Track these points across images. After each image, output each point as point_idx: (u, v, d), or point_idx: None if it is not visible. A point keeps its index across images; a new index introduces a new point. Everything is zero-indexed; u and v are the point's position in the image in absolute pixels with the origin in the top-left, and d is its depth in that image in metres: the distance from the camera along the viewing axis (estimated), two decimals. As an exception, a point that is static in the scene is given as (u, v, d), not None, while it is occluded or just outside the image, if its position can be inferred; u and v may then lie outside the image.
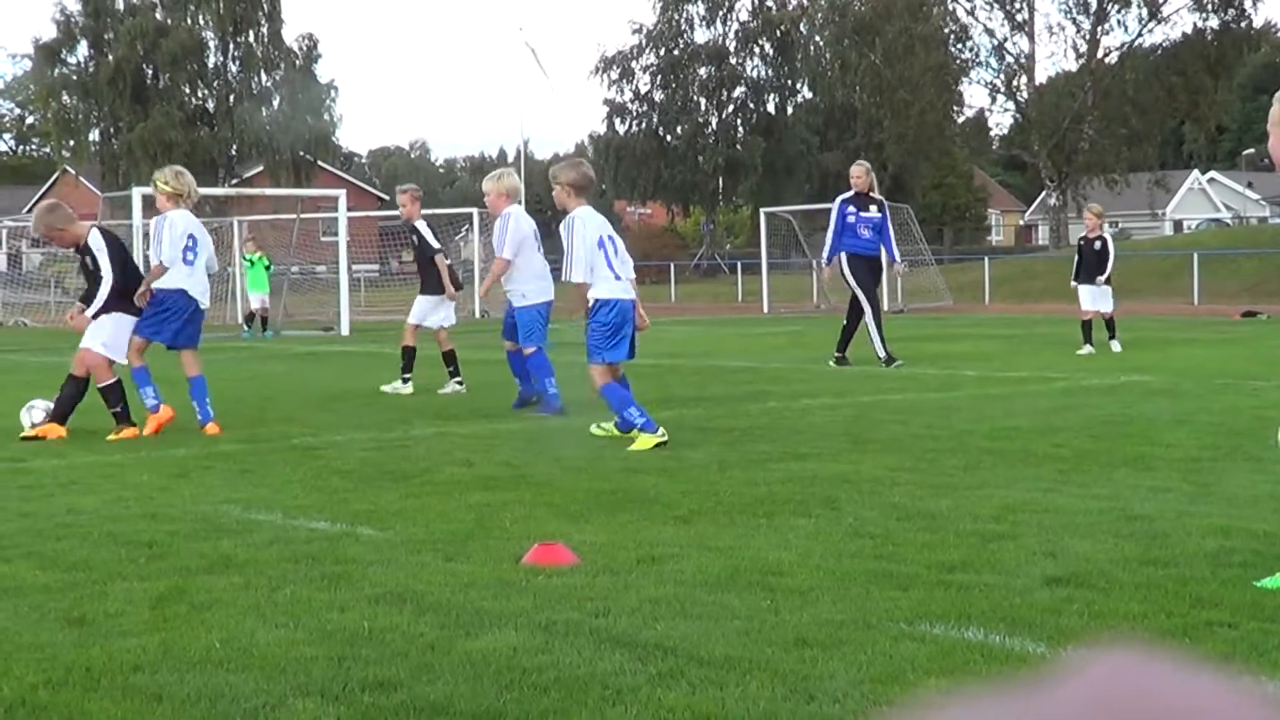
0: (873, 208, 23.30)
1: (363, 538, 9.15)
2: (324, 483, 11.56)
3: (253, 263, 40.45)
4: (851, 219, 23.11)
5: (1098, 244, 25.72)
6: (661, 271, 76.43)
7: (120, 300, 15.35)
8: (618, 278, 14.04)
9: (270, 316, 40.46)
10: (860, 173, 23.50)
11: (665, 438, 13.38)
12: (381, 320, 46.47)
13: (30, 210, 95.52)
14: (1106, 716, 0.80)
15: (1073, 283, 25.92)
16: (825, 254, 23.79)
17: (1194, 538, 8.54)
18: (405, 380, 19.70)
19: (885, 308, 45.19)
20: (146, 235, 41.09)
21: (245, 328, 40.61)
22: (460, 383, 19.75)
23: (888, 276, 22.96)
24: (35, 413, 15.48)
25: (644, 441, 13.30)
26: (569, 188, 14.32)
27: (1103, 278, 25.40)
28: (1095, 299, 25.37)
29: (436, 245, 20.34)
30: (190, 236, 15.62)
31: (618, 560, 8.25)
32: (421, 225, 20.19)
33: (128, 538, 9.26)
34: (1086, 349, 24.93)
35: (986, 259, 63.03)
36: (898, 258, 23.84)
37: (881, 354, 22.60)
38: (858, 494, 10.44)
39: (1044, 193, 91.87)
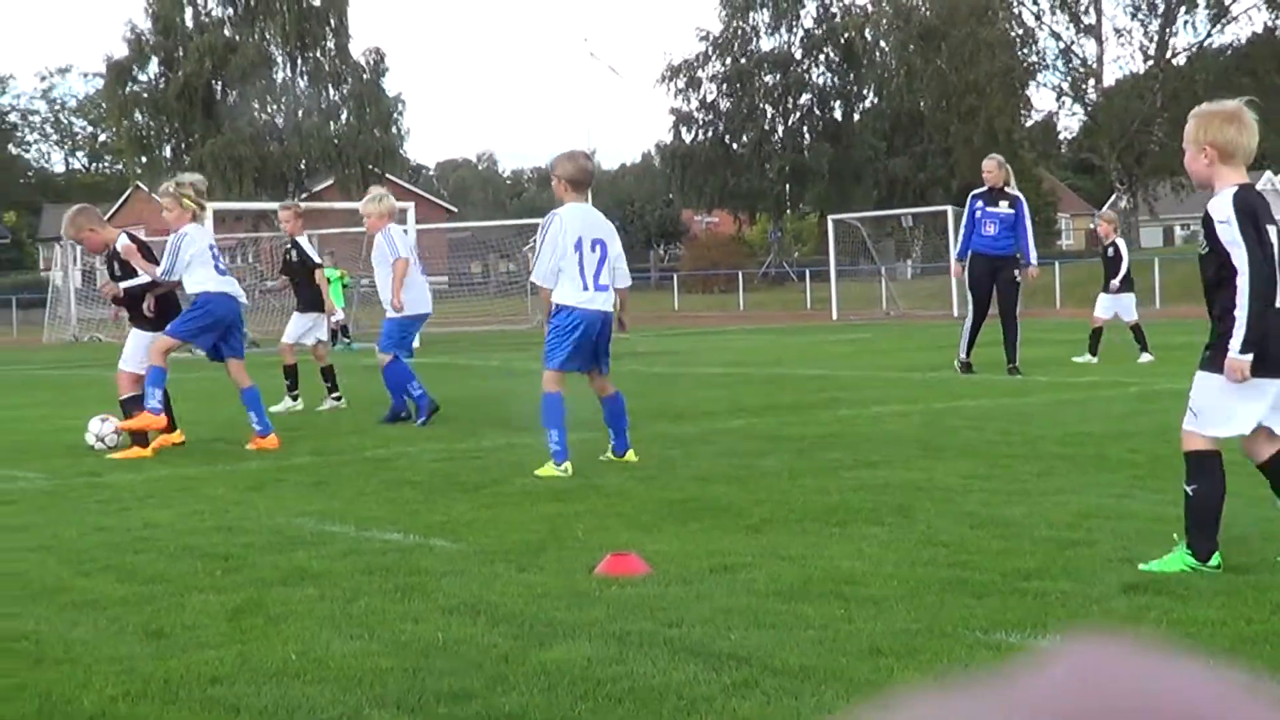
0: (1003, 203, 22.00)
1: (436, 549, 9.17)
2: (396, 494, 11.59)
3: (329, 280, 40.87)
4: (979, 214, 22.02)
5: (1110, 250, 24.91)
6: (729, 280, 76.48)
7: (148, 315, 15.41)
8: (585, 287, 12.94)
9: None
10: (991, 166, 22.32)
11: (567, 473, 12.45)
12: (452, 332, 46.61)
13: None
14: (1079, 706, 0.80)
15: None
16: (955, 251, 23.11)
17: (1273, 543, 8.46)
18: (294, 398, 19.99)
19: (955, 313, 45.06)
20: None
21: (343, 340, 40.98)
22: (338, 399, 19.95)
23: (1023, 277, 21.48)
24: (107, 424, 15.59)
25: (548, 469, 12.57)
26: (565, 181, 13.20)
27: (1115, 283, 24.62)
28: (1107, 307, 24.73)
29: (317, 260, 20.59)
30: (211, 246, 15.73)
31: (690, 570, 8.24)
32: (303, 240, 20.54)
33: (204, 550, 9.31)
34: (1085, 358, 24.26)
35: (1057, 263, 62.73)
36: (1032, 259, 22.09)
37: (962, 357, 22.24)
38: (931, 502, 10.40)
39: (1114, 196, 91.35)
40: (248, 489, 12.13)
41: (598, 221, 13.31)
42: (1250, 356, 7.32)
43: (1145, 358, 23.99)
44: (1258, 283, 7.26)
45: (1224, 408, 7.74)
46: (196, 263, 15.35)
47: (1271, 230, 7.56)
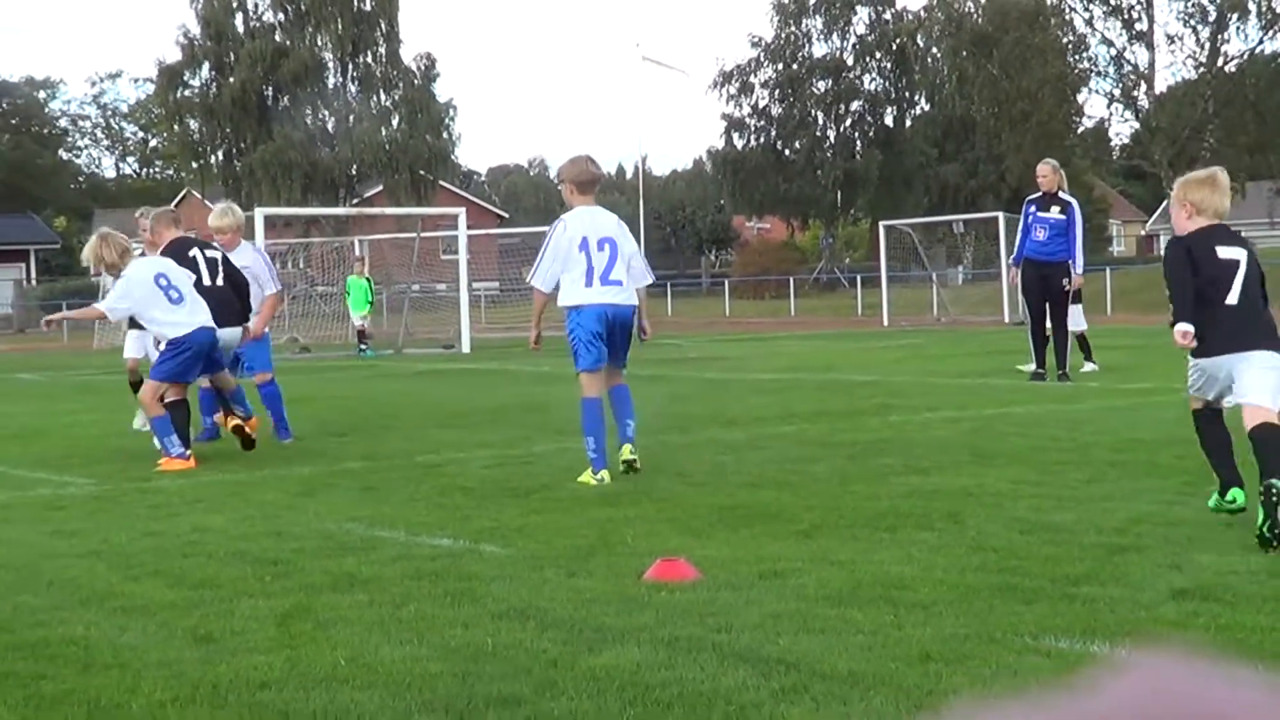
0: (1054, 208, 21.61)
1: (485, 554, 9.19)
2: (446, 500, 11.61)
3: (352, 285, 41.49)
4: (1031, 220, 21.74)
5: None
6: (781, 286, 76.47)
7: None
8: (590, 284, 12.90)
9: (374, 333, 41.16)
10: (1046, 171, 22.01)
11: (604, 482, 12.25)
12: (503, 338, 46.68)
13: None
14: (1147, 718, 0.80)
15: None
16: (1012, 257, 22.81)
17: (1323, 549, 8.43)
18: None
19: (1005, 320, 44.94)
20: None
21: (362, 347, 41.13)
22: None
23: (1067, 283, 21.00)
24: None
25: (585, 476, 12.44)
26: (571, 185, 13.32)
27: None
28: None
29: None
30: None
31: (739, 575, 8.23)
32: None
33: (253, 555, 9.34)
34: (1090, 366, 23.71)
35: (1108, 270, 62.51)
36: (1078, 267, 21.62)
37: (1033, 367, 21.89)
38: (980, 507, 10.37)
39: (1165, 202, 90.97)
40: (298, 494, 12.17)
41: (605, 222, 13.25)
42: (1182, 327, 9.62)
43: (1088, 366, 23.41)
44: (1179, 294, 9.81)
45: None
46: (148, 305, 14.71)
47: (1227, 250, 9.92)
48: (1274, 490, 8.82)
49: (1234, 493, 9.51)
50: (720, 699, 5.96)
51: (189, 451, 14.55)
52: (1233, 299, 9.81)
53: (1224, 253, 9.91)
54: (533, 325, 13.77)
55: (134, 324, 17.29)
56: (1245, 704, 0.81)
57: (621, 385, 13.24)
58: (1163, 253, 10.67)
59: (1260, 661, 6.24)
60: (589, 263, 12.92)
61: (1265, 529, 8.71)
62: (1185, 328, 9.69)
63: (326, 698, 6.16)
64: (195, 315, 14.78)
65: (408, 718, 5.89)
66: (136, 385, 17.17)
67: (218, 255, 15.76)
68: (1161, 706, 0.81)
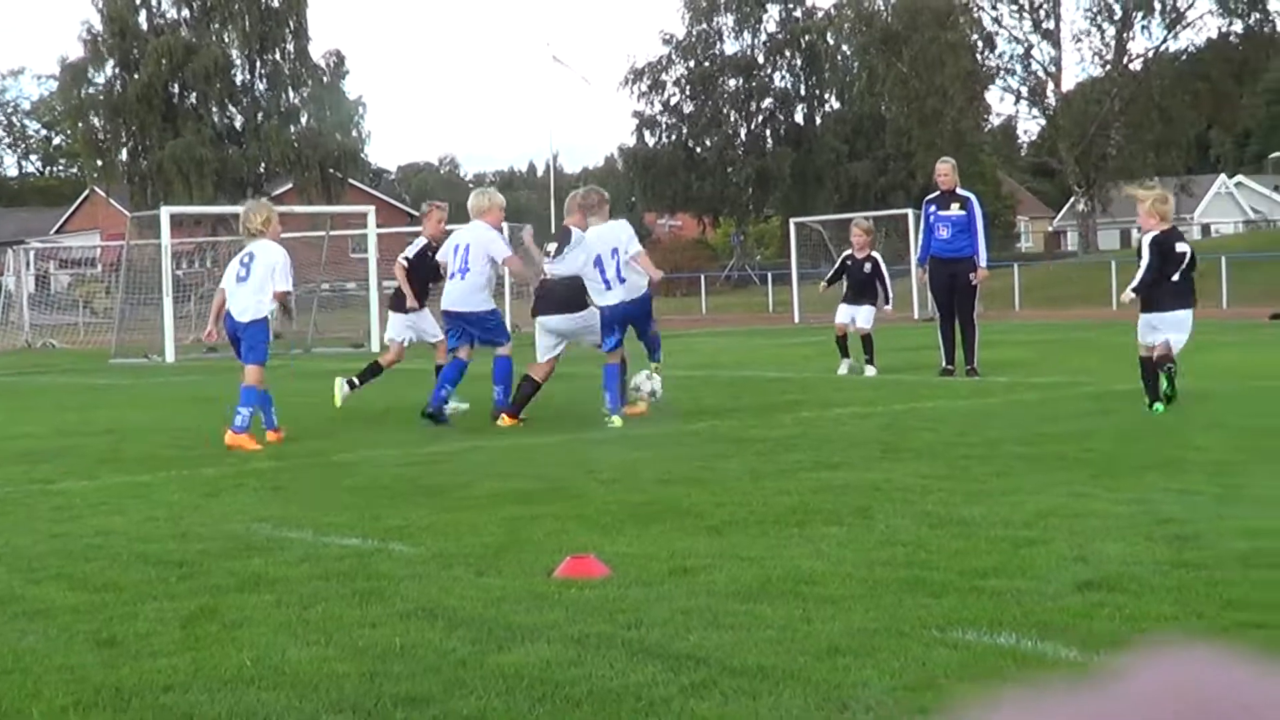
0: (954, 205, 21.94)
1: (394, 553, 9.14)
2: (355, 499, 11.55)
3: None
4: (932, 219, 22.06)
5: (867, 266, 24.22)
6: (692, 283, 76.53)
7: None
8: (609, 287, 17.01)
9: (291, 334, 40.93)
10: (946, 170, 22.33)
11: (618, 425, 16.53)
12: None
13: (59, 231, 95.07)
14: (1174, 711, 0.79)
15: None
16: (916, 257, 23.05)
17: (1225, 540, 8.50)
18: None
19: (915, 315, 45.14)
20: (175, 255, 41.23)
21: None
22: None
23: (975, 278, 21.25)
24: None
25: (629, 409, 17.24)
26: (581, 209, 17.34)
27: (887, 305, 25.09)
28: (852, 315, 24.14)
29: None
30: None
31: (650, 572, 8.22)
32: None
33: (158, 557, 9.25)
34: (845, 365, 23.99)
35: (1016, 265, 62.98)
36: (982, 260, 21.95)
37: (943, 364, 22.18)
38: (890, 502, 10.41)
39: (1072, 199, 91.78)
40: (204, 495, 12.07)
41: (619, 233, 17.25)
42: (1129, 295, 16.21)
43: (870, 370, 23.48)
44: (1150, 273, 15.92)
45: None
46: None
47: (1180, 246, 16.20)
48: (1168, 368, 15.71)
49: (1157, 405, 15.82)
50: (630, 695, 5.95)
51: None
52: (1176, 277, 15.97)
53: (1179, 247, 16.12)
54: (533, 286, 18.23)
55: (398, 306, 19.61)
56: (1269, 695, 0.81)
57: (614, 365, 17.21)
58: (1144, 244, 16.30)
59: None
60: (602, 273, 17.09)
61: (1168, 390, 15.79)
62: (1130, 295, 16.23)
63: (232, 699, 6.11)
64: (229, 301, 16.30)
65: (315, 719, 5.85)
66: (378, 368, 19.72)
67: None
68: (1187, 698, 0.81)
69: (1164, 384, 15.71)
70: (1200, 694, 0.82)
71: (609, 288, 17.02)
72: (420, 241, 19.59)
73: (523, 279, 18.79)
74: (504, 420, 16.88)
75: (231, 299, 16.18)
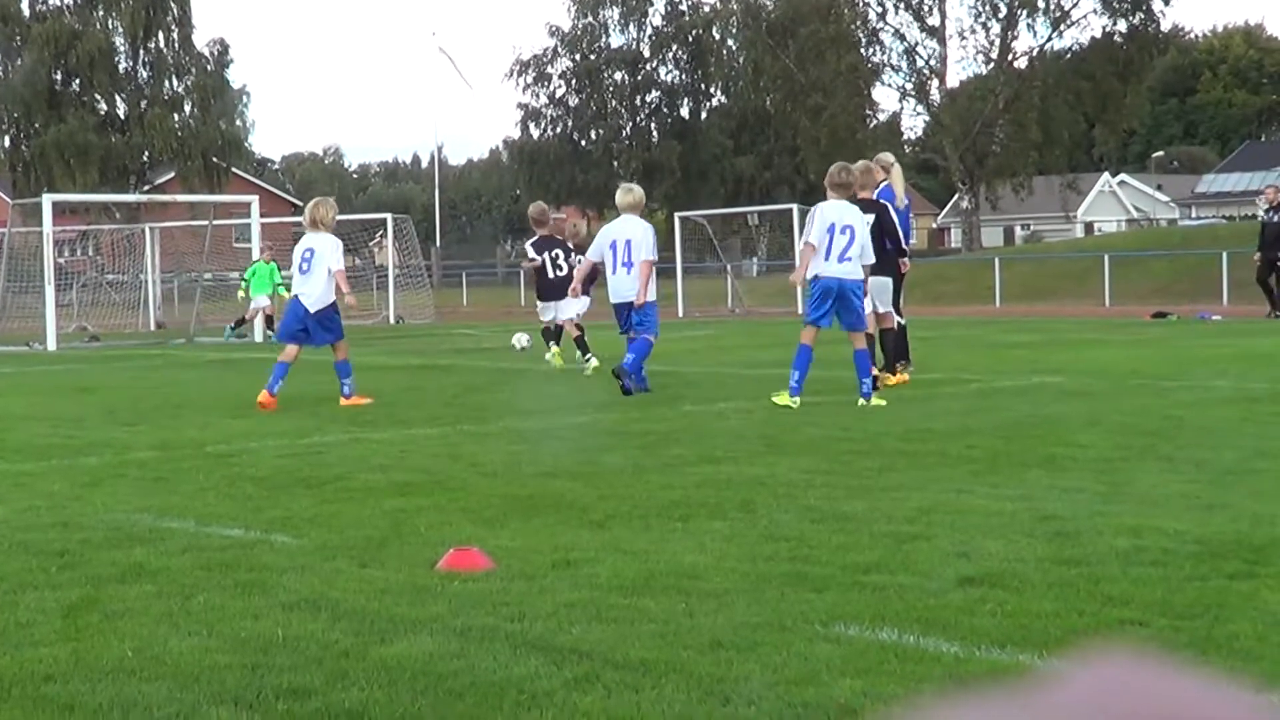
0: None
1: (277, 545, 9.11)
2: (237, 490, 11.48)
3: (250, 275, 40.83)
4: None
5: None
6: (576, 276, 76.40)
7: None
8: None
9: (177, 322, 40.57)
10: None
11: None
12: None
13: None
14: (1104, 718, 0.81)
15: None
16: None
17: (1106, 537, 8.60)
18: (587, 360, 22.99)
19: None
20: (57, 243, 40.81)
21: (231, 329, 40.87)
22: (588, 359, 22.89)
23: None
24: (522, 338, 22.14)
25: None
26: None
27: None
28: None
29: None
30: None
31: (533, 565, 8.23)
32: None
33: (39, 547, 9.17)
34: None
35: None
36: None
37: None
38: (773, 497, 10.45)
39: (956, 196, 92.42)
40: (85, 485, 11.97)
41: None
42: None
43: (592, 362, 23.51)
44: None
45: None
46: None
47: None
48: None
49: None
50: (512, 688, 5.96)
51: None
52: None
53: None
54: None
55: (555, 294, 24.32)
56: (1209, 703, 0.83)
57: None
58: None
59: (1044, 648, 6.36)
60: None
61: None
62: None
63: (113, 690, 6.08)
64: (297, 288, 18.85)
65: (196, 710, 5.83)
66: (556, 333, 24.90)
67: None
68: (1123, 703, 0.82)
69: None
70: (1133, 705, 0.83)
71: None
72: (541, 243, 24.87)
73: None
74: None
75: (299, 290, 18.60)
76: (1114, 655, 0.87)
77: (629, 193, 20.38)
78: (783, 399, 16.97)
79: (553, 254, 24.77)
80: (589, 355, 23.30)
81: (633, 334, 19.59)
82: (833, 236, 16.79)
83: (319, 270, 18.38)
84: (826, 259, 16.81)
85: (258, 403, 17.92)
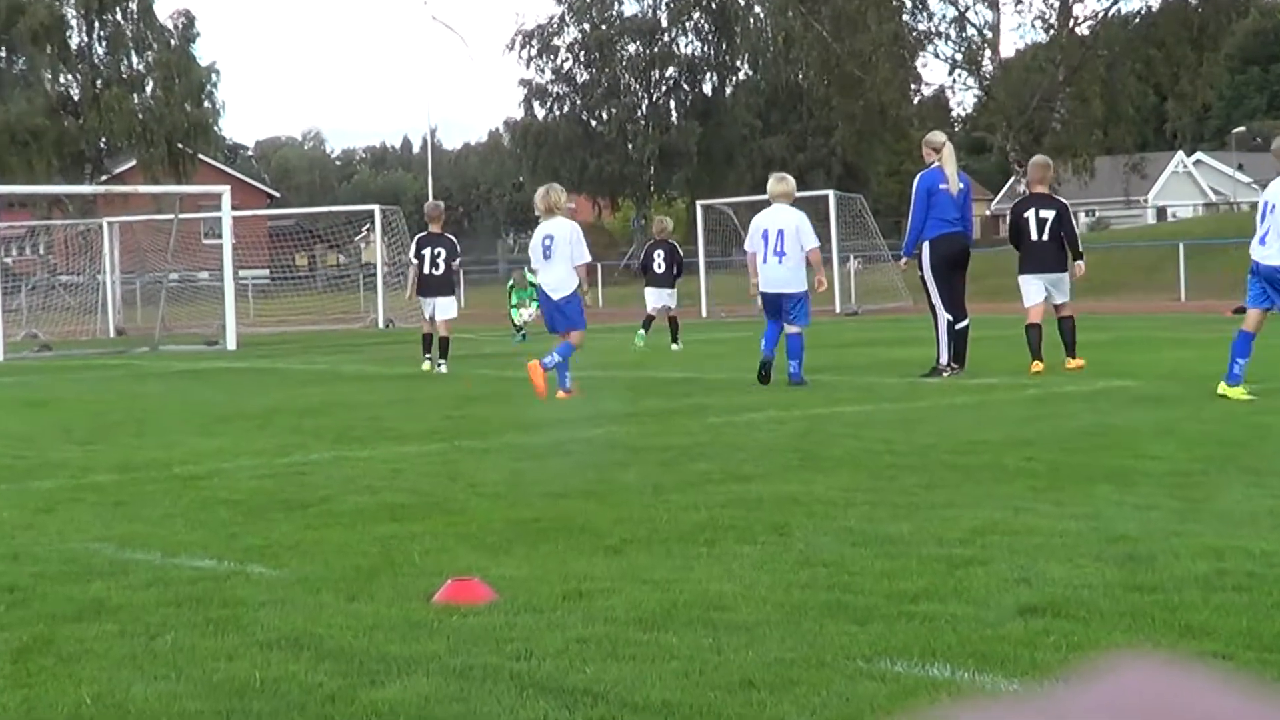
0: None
1: (254, 577, 9.10)
2: (209, 515, 11.48)
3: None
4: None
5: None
6: (587, 272, 76.46)
7: None
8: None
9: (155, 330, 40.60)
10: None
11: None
12: (273, 333, 46.27)
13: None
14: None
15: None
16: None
17: (1183, 560, 8.57)
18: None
19: (837, 310, 45.31)
20: (3, 241, 40.87)
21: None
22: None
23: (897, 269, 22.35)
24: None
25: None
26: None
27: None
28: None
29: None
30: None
31: (541, 596, 8.23)
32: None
33: (-14, 581, 9.18)
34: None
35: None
36: (910, 249, 22.55)
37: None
38: (808, 518, 10.44)
39: (1012, 179, 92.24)
40: (38, 511, 11.97)
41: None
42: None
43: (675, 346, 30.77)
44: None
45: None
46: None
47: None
48: None
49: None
50: (518, 735, 5.96)
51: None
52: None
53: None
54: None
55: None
56: (1232, 708, 0.83)
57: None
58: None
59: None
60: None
61: None
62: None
63: (70, 741, 6.08)
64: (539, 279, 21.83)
65: (164, 762, 5.83)
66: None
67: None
68: (1146, 708, 0.83)
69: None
70: (1156, 706, 0.84)
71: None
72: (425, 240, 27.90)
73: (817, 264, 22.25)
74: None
75: (542, 280, 21.06)
76: (1137, 660, 0.87)
77: (781, 181, 22.45)
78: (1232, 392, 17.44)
79: (434, 251, 28.00)
80: (677, 340, 32.96)
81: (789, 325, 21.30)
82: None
83: (559, 257, 20.73)
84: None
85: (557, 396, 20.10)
